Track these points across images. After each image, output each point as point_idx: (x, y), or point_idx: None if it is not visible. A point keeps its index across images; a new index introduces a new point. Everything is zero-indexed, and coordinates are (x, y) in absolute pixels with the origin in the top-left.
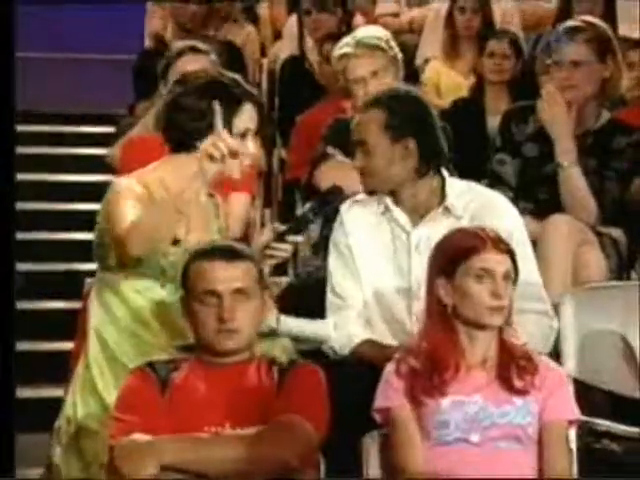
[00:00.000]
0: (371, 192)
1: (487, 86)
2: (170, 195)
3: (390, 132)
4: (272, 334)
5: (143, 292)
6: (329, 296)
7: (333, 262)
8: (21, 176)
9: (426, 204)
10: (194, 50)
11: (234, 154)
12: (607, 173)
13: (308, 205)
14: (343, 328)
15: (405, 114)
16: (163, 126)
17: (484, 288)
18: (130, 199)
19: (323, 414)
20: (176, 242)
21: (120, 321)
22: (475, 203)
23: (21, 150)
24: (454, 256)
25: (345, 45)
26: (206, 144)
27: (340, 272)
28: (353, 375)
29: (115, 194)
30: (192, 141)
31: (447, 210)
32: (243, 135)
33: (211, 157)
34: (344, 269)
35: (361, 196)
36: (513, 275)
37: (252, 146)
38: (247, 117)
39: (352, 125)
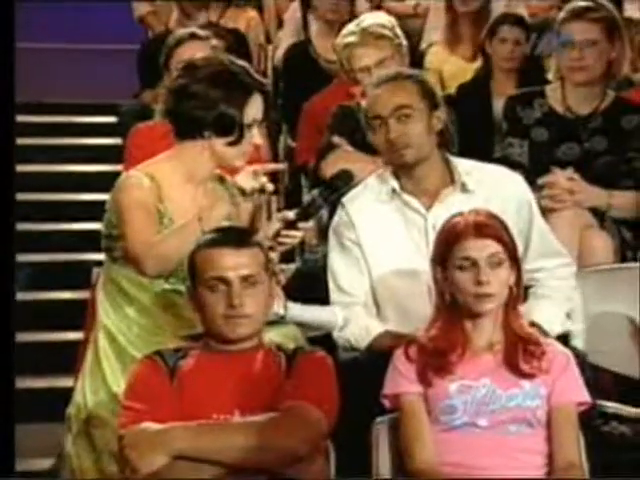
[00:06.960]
0: (402, 166)
1: (496, 71)
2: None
3: (427, 100)
4: (279, 321)
5: (146, 285)
6: (334, 291)
7: (337, 257)
8: (26, 167)
9: (435, 184)
10: (194, 37)
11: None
12: (630, 155)
13: (317, 190)
14: (357, 322)
15: (432, 88)
16: (170, 113)
17: (468, 277)
18: (140, 196)
19: (332, 400)
20: None
21: (126, 316)
22: (486, 179)
23: (29, 141)
24: (442, 247)
25: (350, 34)
26: (243, 180)
27: (345, 267)
28: (361, 361)
29: (123, 189)
30: (199, 129)
31: (462, 187)
32: (250, 125)
33: (243, 192)
34: (349, 264)
35: (362, 186)
36: (506, 255)
37: (258, 137)
38: (257, 107)
39: (379, 98)
